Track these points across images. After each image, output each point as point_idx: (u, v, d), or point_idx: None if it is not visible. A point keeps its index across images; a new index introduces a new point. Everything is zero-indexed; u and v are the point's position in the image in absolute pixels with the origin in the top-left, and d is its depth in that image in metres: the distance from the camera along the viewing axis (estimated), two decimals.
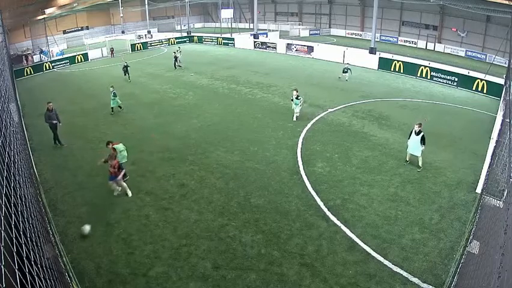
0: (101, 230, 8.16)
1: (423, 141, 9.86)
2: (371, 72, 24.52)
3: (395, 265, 6.84)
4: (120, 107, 16.93)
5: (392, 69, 24.11)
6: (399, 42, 44.18)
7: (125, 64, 23.05)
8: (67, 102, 19.07)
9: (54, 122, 12.80)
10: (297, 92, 14.39)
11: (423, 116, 14.49)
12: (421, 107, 16.80)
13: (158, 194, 9.63)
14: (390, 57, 25.02)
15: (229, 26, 45.04)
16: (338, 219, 8.27)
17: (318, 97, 18.26)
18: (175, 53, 28.80)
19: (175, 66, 27.23)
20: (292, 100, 14.64)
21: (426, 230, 7.86)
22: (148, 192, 9.73)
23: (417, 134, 9.86)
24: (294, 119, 14.78)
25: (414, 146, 9.97)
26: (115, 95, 16.38)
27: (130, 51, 37.71)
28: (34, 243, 3.66)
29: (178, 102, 18.30)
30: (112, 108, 16.56)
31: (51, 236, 6.40)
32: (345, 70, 21.62)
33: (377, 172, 10.49)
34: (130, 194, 9.53)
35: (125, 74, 23.17)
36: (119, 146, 10.07)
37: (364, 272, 6.69)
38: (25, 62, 32.57)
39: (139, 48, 38.97)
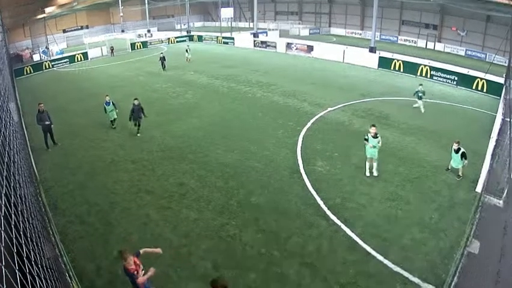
0: (101, 230, 8.16)
1: (464, 157, 9.81)
2: (371, 71, 24.50)
3: (395, 264, 6.83)
4: (113, 122, 14.52)
5: (392, 68, 24.08)
6: (399, 42, 44.11)
7: (136, 103, 13.45)
8: (66, 101, 19.06)
9: (47, 123, 12.47)
10: (375, 128, 9.86)
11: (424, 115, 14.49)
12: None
13: (158, 193, 9.62)
14: (390, 56, 25.00)
15: (229, 25, 44.96)
16: (337, 219, 8.27)
17: (318, 96, 18.25)
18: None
19: (163, 68, 26.09)
20: (366, 140, 9.97)
21: (426, 230, 7.85)
22: (147, 192, 9.73)
23: (457, 152, 9.86)
24: (369, 173, 10.18)
25: (455, 161, 10.00)
26: (108, 104, 14.05)
27: (130, 50, 37.65)
28: (34, 243, 3.65)
29: (177, 101, 18.28)
30: (112, 121, 14.45)
31: (51, 236, 6.40)
32: (420, 95, 15.32)
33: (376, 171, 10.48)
34: None
35: (135, 124, 13.80)
36: None
37: (364, 272, 6.70)
38: (24, 58, 32.57)
39: (139, 47, 38.91)
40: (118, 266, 6.97)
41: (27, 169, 7.58)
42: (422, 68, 22.26)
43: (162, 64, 26.19)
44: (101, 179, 10.49)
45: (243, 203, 9.02)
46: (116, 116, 14.42)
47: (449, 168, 10.39)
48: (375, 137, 9.80)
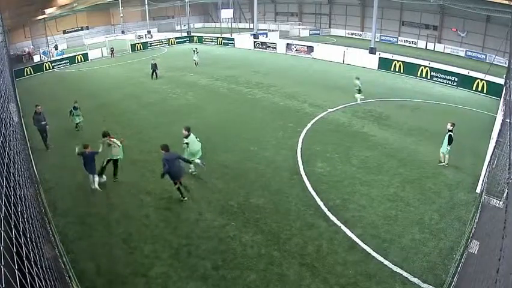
0: (101, 230, 8.16)
1: (449, 141, 9.88)
2: (371, 72, 24.51)
3: (395, 265, 6.83)
4: (77, 125, 14.61)
5: (392, 69, 24.10)
6: (399, 42, 44.16)
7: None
8: (66, 102, 18.99)
9: (43, 122, 12.49)
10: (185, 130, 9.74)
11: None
12: (421, 107, 16.79)
13: (158, 193, 9.63)
14: (390, 57, 25.01)
15: (229, 26, 45.04)
16: (338, 219, 8.27)
17: (318, 97, 18.26)
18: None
19: (152, 77, 23.53)
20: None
21: (426, 230, 7.85)
22: (148, 192, 9.73)
23: (447, 132, 9.91)
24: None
25: (443, 145, 10.10)
26: (75, 109, 14.34)
27: (130, 51, 37.70)
28: (34, 244, 3.65)
29: (178, 102, 18.29)
30: (77, 124, 14.60)
31: (51, 236, 6.40)
32: (357, 89, 16.72)
33: (377, 172, 10.49)
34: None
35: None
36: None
37: (364, 272, 6.69)
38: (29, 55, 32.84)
39: (139, 48, 38.95)
40: (118, 266, 6.98)
41: (27, 170, 7.58)
42: (422, 69, 22.29)
43: (154, 72, 23.47)
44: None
45: (243, 204, 9.02)
46: (78, 121, 14.58)
47: (442, 161, 10.51)
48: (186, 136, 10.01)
